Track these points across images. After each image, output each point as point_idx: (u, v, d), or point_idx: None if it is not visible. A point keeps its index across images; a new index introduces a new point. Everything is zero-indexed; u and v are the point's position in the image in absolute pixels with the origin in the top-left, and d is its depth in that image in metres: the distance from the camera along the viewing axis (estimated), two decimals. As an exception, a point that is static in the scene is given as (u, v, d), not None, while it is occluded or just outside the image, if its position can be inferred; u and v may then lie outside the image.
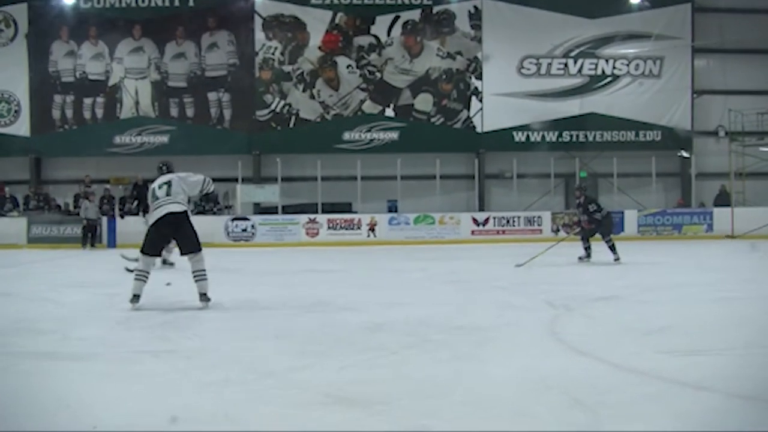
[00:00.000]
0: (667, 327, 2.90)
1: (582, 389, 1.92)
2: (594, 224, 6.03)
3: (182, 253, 3.54)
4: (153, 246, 3.51)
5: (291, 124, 10.77)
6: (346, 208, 10.24)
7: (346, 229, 9.69)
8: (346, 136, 10.79)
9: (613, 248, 5.94)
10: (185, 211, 3.52)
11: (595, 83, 11.13)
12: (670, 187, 11.43)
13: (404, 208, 10.18)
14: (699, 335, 2.76)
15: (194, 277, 3.48)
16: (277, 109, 10.76)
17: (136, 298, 3.40)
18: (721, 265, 6.25)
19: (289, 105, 10.78)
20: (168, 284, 4.17)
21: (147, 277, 3.44)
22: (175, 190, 3.54)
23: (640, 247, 7.35)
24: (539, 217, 10.00)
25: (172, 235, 3.55)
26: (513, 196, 10.55)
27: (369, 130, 10.79)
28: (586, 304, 3.65)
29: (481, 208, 10.73)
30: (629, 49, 11.00)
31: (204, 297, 3.47)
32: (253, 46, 10.73)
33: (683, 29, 11.13)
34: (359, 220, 9.72)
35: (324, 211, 9.84)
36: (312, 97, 10.80)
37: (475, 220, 10.03)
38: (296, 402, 1.84)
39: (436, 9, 10.88)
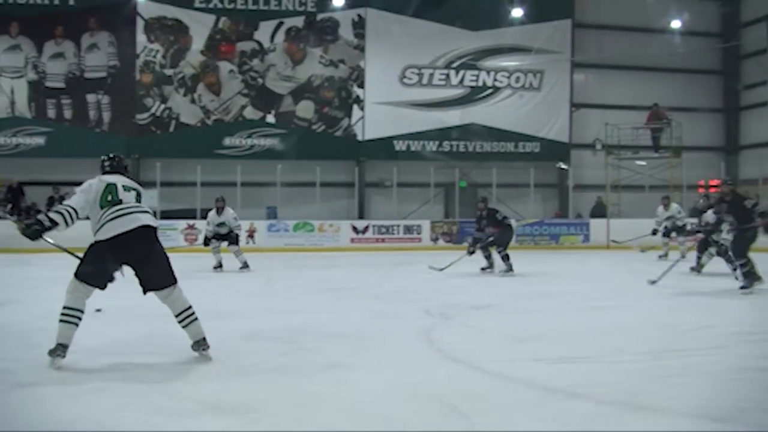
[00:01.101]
0: (541, 335, 4.89)
1: (456, 397, 3.23)
2: (507, 230, 9.83)
3: (149, 289, 3.86)
4: (101, 273, 3.73)
5: (171, 129, 17.81)
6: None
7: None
8: (227, 141, 17.91)
9: (506, 258, 9.65)
10: (156, 230, 3.88)
11: (476, 94, 18.69)
12: (548, 198, 19.03)
13: (284, 215, 17.21)
14: (572, 343, 4.64)
15: (180, 319, 3.89)
16: (158, 113, 17.79)
17: (60, 349, 3.65)
18: (595, 274, 10.09)
19: (170, 109, 17.84)
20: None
21: (79, 320, 3.70)
22: (143, 199, 3.98)
23: (518, 256, 11.08)
24: (419, 225, 17.24)
25: (137, 258, 3.79)
26: (393, 204, 17.81)
27: (250, 136, 17.94)
28: (463, 313, 6.06)
29: (361, 216, 17.98)
30: (510, 62, 18.61)
31: (202, 343, 3.93)
32: (134, 49, 17.74)
33: (563, 44, 18.85)
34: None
35: (203, 217, 16.68)
36: (193, 101, 17.90)
37: (354, 228, 17.17)
38: (168, 410, 2.95)
39: (320, 17, 18.20)
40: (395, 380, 3.68)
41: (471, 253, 10.23)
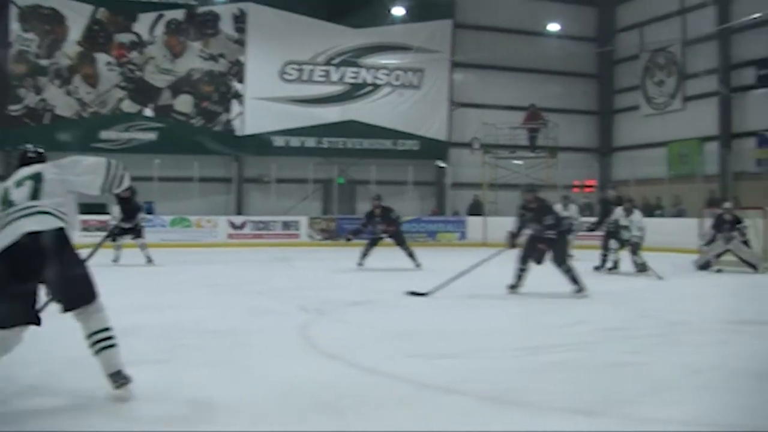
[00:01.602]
0: (417, 331, 6.37)
1: (331, 393, 4.14)
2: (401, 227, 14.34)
3: (65, 309, 3.93)
4: (9, 308, 3.74)
5: (46, 121, 22.19)
6: (101, 209, 21.54)
7: (100, 231, 21.11)
8: (104, 135, 22.43)
9: (413, 255, 13.17)
10: (62, 230, 3.90)
11: (356, 91, 23.78)
12: (425, 196, 24.35)
13: (161, 210, 21.83)
14: (448, 339, 6.04)
15: (93, 344, 3.95)
16: (32, 105, 22.13)
17: None
18: (471, 272, 11.20)
19: (45, 101, 22.21)
20: None
21: None
22: (49, 189, 3.99)
23: (396, 253, 13.52)
24: (297, 221, 22.19)
25: (34, 275, 3.80)
26: (271, 200, 22.70)
27: (127, 130, 22.51)
28: (340, 309, 7.88)
29: (239, 212, 22.83)
30: (391, 60, 23.71)
31: (118, 377, 3.94)
32: (7, 37, 21.98)
33: (443, 44, 24.11)
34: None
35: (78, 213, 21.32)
36: (69, 93, 22.31)
37: (232, 224, 22.00)
38: (42, 409, 3.67)
39: (200, 10, 22.84)
40: (271, 376, 4.70)
41: (348, 240, 14.01)
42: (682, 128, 23.84)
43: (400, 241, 13.65)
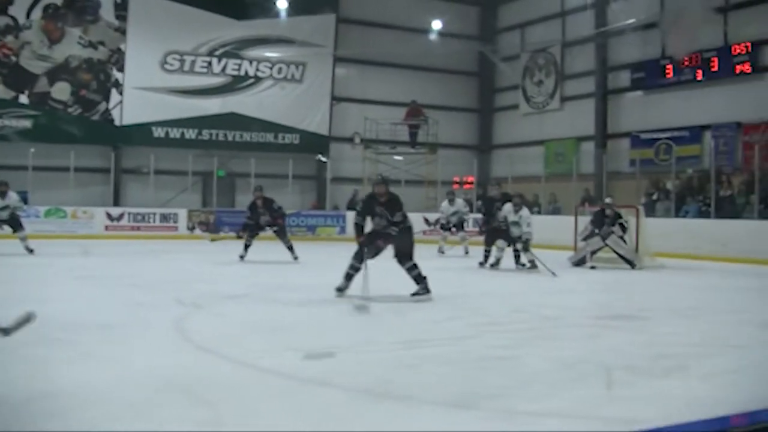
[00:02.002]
0: (293, 325, 7.71)
1: (204, 387, 4.97)
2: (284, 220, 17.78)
3: None
4: None
5: None
6: None
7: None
8: (-25, 121, 26.33)
9: (292, 248, 15.84)
10: None
11: (237, 84, 28.44)
12: (306, 190, 29.41)
13: (35, 200, 25.80)
14: (323, 333, 7.49)
15: None
16: None
17: None
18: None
19: None
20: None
21: None
22: None
23: (274, 246, 16.58)
24: (175, 214, 26.69)
25: None
26: (149, 192, 27.10)
27: (0, 117, 26.43)
28: (216, 302, 9.42)
29: (116, 203, 27.19)
30: (273, 53, 28.43)
31: None
32: None
33: (327, 38, 29.04)
34: (-16, 210, 25.47)
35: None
36: (-62, 77, 26.05)
37: (109, 215, 26.25)
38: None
39: (80, -5, 26.88)
40: (144, 370, 5.60)
41: (240, 237, 16.34)
42: (559, 127, 29.58)
43: (282, 234, 16.51)
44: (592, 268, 15.70)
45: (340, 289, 10.12)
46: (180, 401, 4.88)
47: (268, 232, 16.72)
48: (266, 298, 10.46)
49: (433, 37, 30.44)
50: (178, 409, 4.69)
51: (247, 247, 16.30)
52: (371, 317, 9.04)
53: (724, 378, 5.99)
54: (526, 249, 14.77)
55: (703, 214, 20.95)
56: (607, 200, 16.72)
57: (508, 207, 14.96)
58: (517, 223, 14.71)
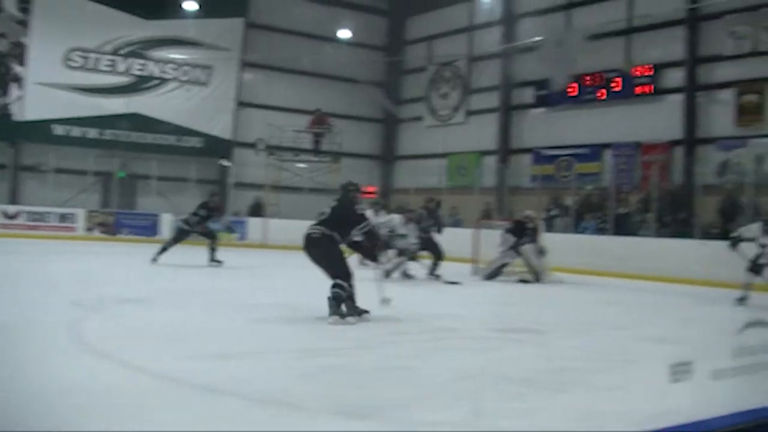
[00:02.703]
0: (194, 332, 8.14)
1: (101, 394, 5.25)
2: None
3: None
4: None
5: None
6: None
7: None
8: None
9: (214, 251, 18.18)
10: None
11: (142, 84, 30.43)
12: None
13: (-73, 195, 27.62)
14: (224, 340, 7.84)
15: None
16: None
17: None
18: (251, 272, 16.75)
19: None
20: None
21: None
22: None
23: (174, 250, 17.60)
24: (74, 214, 28.59)
25: None
26: (48, 190, 28.89)
27: None
28: (115, 306, 9.77)
29: (13, 201, 29.02)
30: (180, 55, 30.79)
31: None
32: None
33: (234, 42, 31.34)
34: None
35: None
36: None
37: (5, 213, 27.94)
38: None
39: (-20, -14, 28.67)
40: (40, 376, 5.77)
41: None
42: (463, 141, 31.99)
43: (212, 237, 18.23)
44: (501, 281, 17.20)
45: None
46: (74, 409, 5.11)
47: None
48: (168, 302, 11.02)
49: (340, 46, 32.61)
50: (69, 415, 4.96)
51: (164, 250, 17.77)
52: (271, 325, 9.42)
53: (619, 392, 6.47)
54: (412, 259, 16.21)
55: (601, 231, 22.40)
56: (527, 213, 18.41)
57: (397, 219, 16.37)
58: (405, 236, 16.03)
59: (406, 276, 16.63)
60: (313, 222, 10.33)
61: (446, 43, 33.35)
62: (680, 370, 4.00)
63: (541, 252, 17.59)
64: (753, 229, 13.96)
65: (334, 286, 9.70)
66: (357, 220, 10.35)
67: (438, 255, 17.19)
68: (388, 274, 15.28)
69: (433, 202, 18.36)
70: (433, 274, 16.87)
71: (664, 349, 8.60)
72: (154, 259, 17.49)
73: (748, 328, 4.28)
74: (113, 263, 17.61)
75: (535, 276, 17.38)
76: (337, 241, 10.14)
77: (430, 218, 17.73)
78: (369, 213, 19.12)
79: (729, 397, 4.09)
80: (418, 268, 16.75)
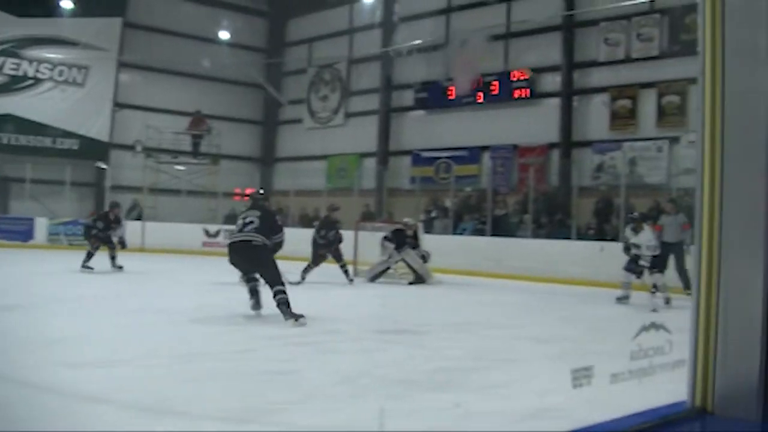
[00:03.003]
0: (69, 339, 8.01)
1: None
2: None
3: None
4: None
5: None
6: None
7: None
8: None
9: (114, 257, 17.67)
10: None
11: (15, 84, 30.33)
12: (84, 197, 32.23)
13: None
14: (102, 347, 7.76)
15: None
16: None
17: None
18: (128, 277, 16.89)
19: None
20: None
21: None
22: None
23: (51, 256, 19.73)
24: None
25: None
26: None
27: None
28: None
29: None
30: (55, 54, 31.17)
31: None
32: None
33: (111, 42, 31.74)
34: None
35: None
36: None
37: None
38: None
39: None
40: None
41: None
42: (342, 143, 33.00)
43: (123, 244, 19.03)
44: (384, 282, 18.00)
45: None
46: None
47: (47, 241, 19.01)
48: (42, 309, 10.98)
49: (220, 47, 33.24)
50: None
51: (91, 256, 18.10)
52: (148, 329, 9.50)
53: (498, 391, 6.67)
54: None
55: (479, 232, 23.49)
56: (406, 220, 19.16)
57: None
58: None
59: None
60: (241, 229, 11.16)
61: (326, 45, 34.31)
62: (581, 375, 4.16)
63: (424, 257, 18.48)
64: (628, 231, 15.20)
65: (280, 292, 10.53)
66: (278, 229, 11.43)
67: (340, 260, 17.87)
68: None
69: (335, 210, 18.73)
70: (348, 278, 17.69)
71: (542, 348, 9.11)
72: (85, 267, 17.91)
73: (642, 332, 4.46)
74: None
75: (418, 278, 18.16)
76: (270, 249, 11.10)
77: (332, 226, 18.14)
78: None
79: (608, 397, 4.42)
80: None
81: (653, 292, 14.35)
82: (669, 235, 16.78)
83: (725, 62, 3.34)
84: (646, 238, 14.66)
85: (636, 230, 14.83)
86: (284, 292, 10.59)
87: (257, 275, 11.14)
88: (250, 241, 11.01)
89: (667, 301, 14.48)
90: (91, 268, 17.95)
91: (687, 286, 16.37)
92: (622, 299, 14.99)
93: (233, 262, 11.27)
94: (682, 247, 16.78)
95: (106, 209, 19.96)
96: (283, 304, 10.51)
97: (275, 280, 10.70)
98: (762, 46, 3.30)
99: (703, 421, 3.35)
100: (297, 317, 10.40)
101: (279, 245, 11.46)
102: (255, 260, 11.00)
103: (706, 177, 3.37)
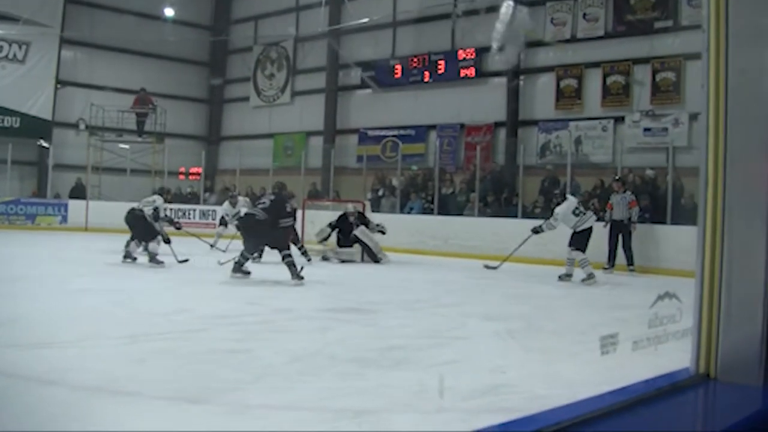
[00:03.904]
0: (13, 320, 7.96)
1: None
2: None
3: None
4: None
5: None
6: None
7: None
8: None
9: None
10: None
11: (-47, 61, 30.39)
12: (26, 176, 31.80)
13: None
14: (47, 328, 7.71)
15: None
16: None
17: None
18: (71, 256, 17.15)
19: None
20: None
21: None
22: None
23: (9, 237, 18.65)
24: None
25: None
26: None
27: None
28: None
29: None
30: (-6, 31, 30.69)
31: None
32: None
33: (54, 18, 31.24)
34: None
35: None
36: None
37: None
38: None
39: None
40: None
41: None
42: (289, 121, 33.14)
43: None
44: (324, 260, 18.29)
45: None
46: None
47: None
48: None
49: (165, 24, 32.98)
50: None
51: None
52: (98, 310, 9.38)
53: (449, 368, 6.79)
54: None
55: (426, 211, 23.76)
56: (349, 207, 19.53)
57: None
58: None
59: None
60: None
61: (273, 23, 34.26)
62: (608, 342, 4.03)
63: (381, 231, 19.14)
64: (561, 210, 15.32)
65: (287, 256, 13.24)
66: (285, 214, 13.89)
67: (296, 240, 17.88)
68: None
69: (286, 189, 19.40)
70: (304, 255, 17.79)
71: (491, 325, 9.18)
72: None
73: (658, 302, 4.29)
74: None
75: (371, 255, 18.52)
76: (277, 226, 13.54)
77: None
78: (225, 205, 21.45)
79: (561, 371, 4.70)
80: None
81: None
82: (617, 213, 17.34)
83: (728, 40, 3.41)
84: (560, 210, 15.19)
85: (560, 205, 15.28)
86: (290, 256, 13.29)
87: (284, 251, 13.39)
88: (254, 215, 13.53)
89: (590, 277, 14.96)
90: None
91: (631, 263, 17.22)
92: (565, 277, 15.28)
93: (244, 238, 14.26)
94: (629, 226, 17.36)
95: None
96: (291, 265, 13.07)
97: (282, 247, 13.48)
98: (766, 24, 3.38)
99: (706, 386, 3.45)
100: (300, 278, 12.97)
101: (287, 228, 14.04)
102: (259, 232, 13.58)
103: (710, 148, 3.44)
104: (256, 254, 15.57)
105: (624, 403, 3.02)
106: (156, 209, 15.76)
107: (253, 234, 13.68)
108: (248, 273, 13.60)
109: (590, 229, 15.23)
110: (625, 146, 22.12)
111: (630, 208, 17.16)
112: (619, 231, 17.10)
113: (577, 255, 15.14)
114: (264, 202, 13.66)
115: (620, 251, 17.49)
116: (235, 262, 13.52)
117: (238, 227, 15.93)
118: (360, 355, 7.19)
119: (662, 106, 22.30)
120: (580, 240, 15.11)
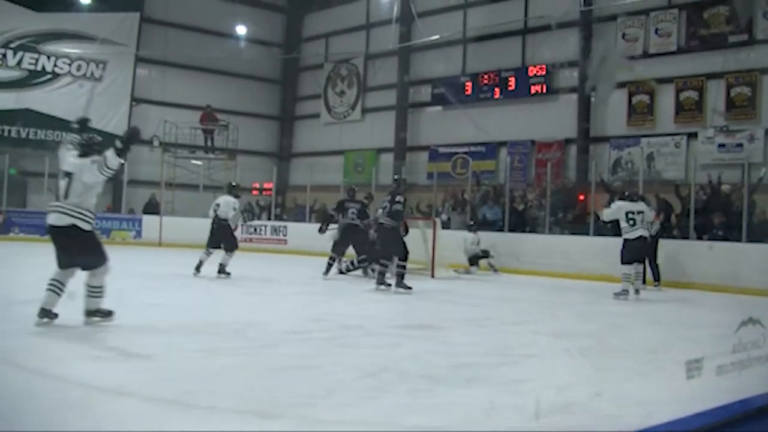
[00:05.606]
0: (89, 331, 8.48)
1: (9, 399, 5.33)
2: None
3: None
4: None
5: None
6: None
7: None
8: None
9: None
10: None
11: (34, 79, 30.82)
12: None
13: None
14: (124, 339, 8.16)
15: None
16: None
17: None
18: (148, 270, 17.02)
19: None
20: None
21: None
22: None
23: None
24: None
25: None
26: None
27: None
28: (6, 307, 9.86)
29: None
30: (73, 49, 31.40)
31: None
32: None
33: (129, 37, 32.03)
34: None
35: None
36: None
37: None
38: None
39: None
40: None
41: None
42: (359, 138, 33.60)
43: None
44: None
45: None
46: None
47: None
48: (65, 303, 9.98)
49: (237, 42, 33.77)
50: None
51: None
52: (174, 323, 9.70)
53: (521, 386, 6.71)
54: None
55: (498, 227, 23.15)
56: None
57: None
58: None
59: None
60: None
61: (343, 40, 34.87)
62: (693, 367, 4.14)
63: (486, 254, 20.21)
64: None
65: (372, 261, 16.04)
66: (365, 217, 17.85)
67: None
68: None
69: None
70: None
71: (561, 343, 9.15)
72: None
73: (743, 327, 4.46)
74: (4, 264, 17.64)
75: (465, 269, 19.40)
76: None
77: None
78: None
79: (631, 390, 4.60)
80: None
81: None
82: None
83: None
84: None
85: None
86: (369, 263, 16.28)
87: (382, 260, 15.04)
88: (356, 224, 17.20)
89: (636, 292, 15.12)
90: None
91: (657, 278, 17.47)
92: (621, 294, 15.06)
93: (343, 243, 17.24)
94: (655, 240, 17.32)
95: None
96: (378, 273, 15.03)
97: (381, 255, 15.25)
98: None
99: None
100: (408, 287, 14.69)
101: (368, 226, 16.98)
102: (355, 237, 16.98)
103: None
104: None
105: (713, 425, 2.99)
106: (235, 208, 16.78)
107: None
108: (389, 285, 14.90)
109: (636, 240, 15.18)
110: (699, 162, 21.86)
111: (652, 223, 16.78)
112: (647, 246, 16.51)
113: (621, 268, 15.20)
114: (353, 210, 16.85)
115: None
116: (379, 273, 15.06)
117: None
118: (430, 372, 7.17)
119: (737, 122, 21.89)
120: (624, 251, 15.23)
